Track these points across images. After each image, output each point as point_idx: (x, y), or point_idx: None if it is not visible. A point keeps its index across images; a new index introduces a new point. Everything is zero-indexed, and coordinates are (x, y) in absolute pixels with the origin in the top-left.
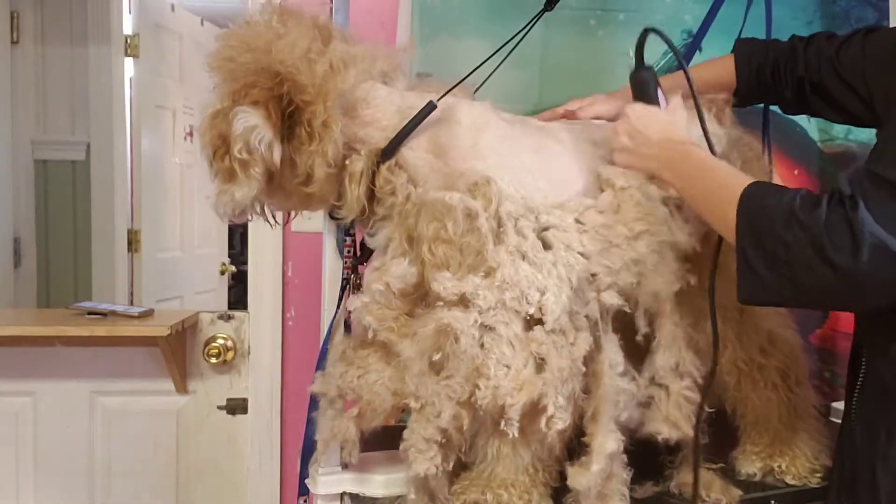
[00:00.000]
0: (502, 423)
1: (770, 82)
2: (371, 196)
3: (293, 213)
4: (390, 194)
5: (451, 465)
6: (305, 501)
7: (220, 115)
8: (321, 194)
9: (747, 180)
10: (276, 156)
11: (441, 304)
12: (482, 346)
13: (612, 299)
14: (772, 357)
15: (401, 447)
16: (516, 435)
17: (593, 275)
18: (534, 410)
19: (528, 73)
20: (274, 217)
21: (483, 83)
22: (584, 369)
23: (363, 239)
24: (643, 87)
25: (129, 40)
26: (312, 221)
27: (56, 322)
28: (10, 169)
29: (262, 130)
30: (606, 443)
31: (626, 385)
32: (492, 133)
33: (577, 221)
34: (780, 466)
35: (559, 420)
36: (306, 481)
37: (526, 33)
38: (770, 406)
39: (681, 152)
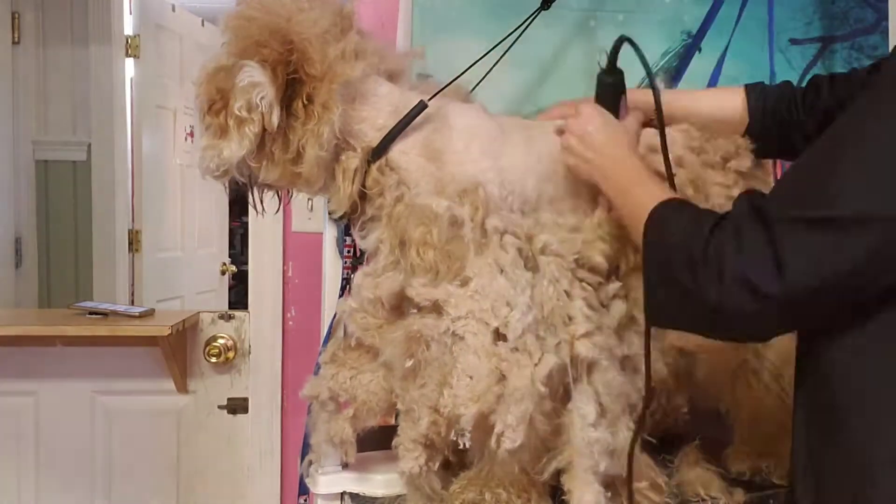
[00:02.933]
0: (452, 432)
1: (787, 118)
2: (362, 195)
3: (280, 205)
4: (379, 195)
5: (437, 464)
6: (306, 501)
7: (221, 71)
8: (308, 176)
9: (660, 199)
10: (275, 118)
11: (415, 310)
12: (451, 353)
13: (587, 351)
14: (765, 359)
15: (392, 444)
16: (467, 446)
17: (570, 317)
18: (485, 424)
19: (527, 73)
20: (262, 203)
21: (478, 83)
22: (544, 390)
23: None
24: (605, 91)
25: (129, 41)
26: (313, 222)
27: (57, 322)
28: (12, 169)
29: (265, 89)
30: (584, 496)
31: (600, 435)
32: (483, 135)
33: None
34: (767, 466)
35: (508, 439)
36: (306, 481)
37: (522, 32)
38: (762, 408)
39: (617, 161)
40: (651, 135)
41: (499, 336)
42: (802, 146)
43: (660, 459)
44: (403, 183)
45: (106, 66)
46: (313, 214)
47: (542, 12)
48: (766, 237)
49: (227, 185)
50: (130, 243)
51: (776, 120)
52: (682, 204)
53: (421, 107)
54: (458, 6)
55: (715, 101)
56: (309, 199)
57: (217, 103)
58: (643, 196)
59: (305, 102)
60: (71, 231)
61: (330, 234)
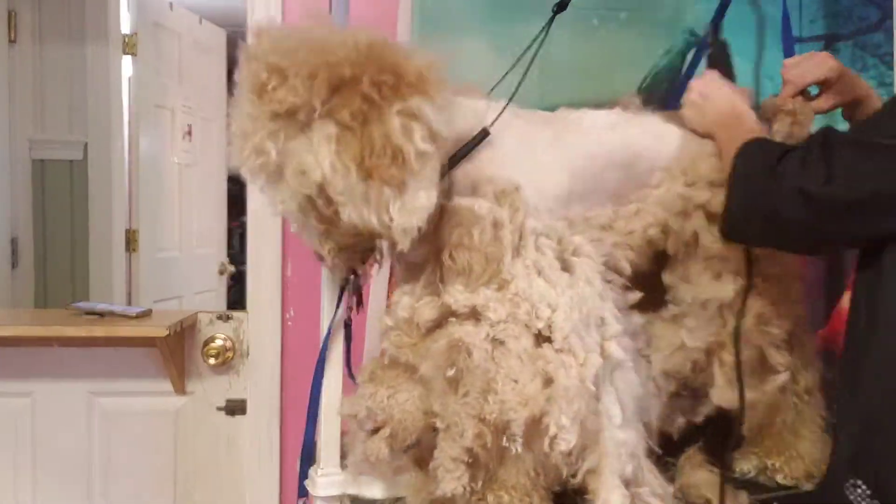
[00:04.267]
0: (504, 439)
1: None
2: None
3: None
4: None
5: (480, 483)
6: (305, 503)
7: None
8: None
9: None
10: None
11: (453, 319)
12: (493, 359)
13: (617, 352)
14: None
15: (430, 466)
16: (520, 451)
17: (602, 318)
18: (537, 428)
19: (529, 72)
20: None
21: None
22: (593, 389)
23: None
24: (718, 59)
25: (127, 39)
26: None
27: (54, 322)
28: (8, 168)
29: None
30: (610, 499)
31: (626, 437)
32: (512, 135)
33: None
34: (773, 464)
35: (563, 441)
36: (306, 483)
37: (543, 39)
38: (775, 410)
39: (736, 117)
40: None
41: (541, 338)
42: None
43: (663, 463)
44: (446, 193)
45: (103, 65)
46: None
47: (541, 7)
48: (824, 156)
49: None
50: (128, 243)
51: None
52: (768, 140)
53: (483, 135)
54: (457, 6)
55: None
56: None
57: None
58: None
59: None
60: (68, 231)
61: None
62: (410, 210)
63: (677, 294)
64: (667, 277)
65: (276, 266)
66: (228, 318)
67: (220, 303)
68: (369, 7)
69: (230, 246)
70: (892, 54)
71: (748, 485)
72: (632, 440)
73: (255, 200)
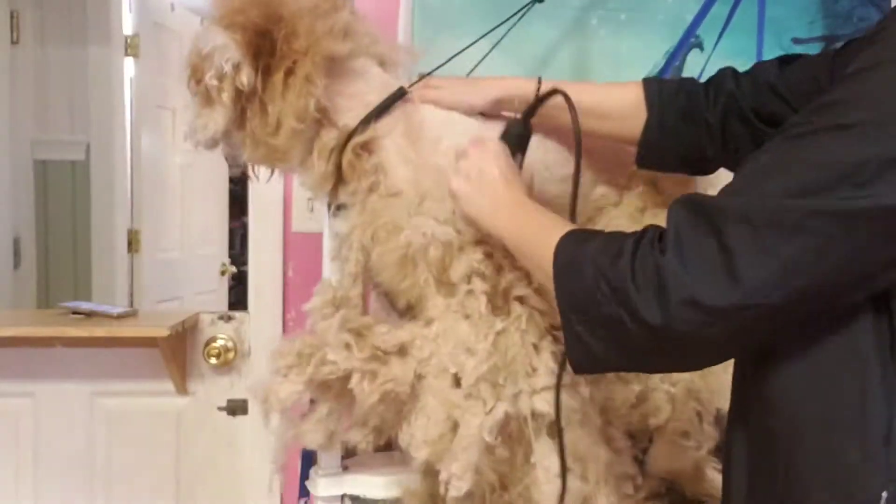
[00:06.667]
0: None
1: (689, 109)
2: (341, 177)
3: (272, 172)
4: (356, 179)
5: (384, 440)
6: (306, 503)
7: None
8: (285, 149)
9: (563, 231)
10: (245, 77)
11: (380, 353)
12: (414, 391)
13: (543, 406)
14: None
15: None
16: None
17: (534, 368)
18: (436, 470)
19: (529, 73)
20: (255, 171)
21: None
22: (490, 440)
23: None
24: (512, 139)
25: (128, 40)
26: (313, 222)
27: (56, 323)
28: (10, 169)
29: (229, 50)
30: None
31: (569, 484)
32: (459, 126)
33: None
34: None
35: (454, 488)
36: (307, 483)
37: (514, 24)
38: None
39: (511, 200)
40: None
41: (457, 382)
42: (710, 146)
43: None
44: (382, 168)
45: (105, 66)
46: (313, 214)
47: (541, 8)
48: (717, 245)
49: (226, 170)
50: (130, 243)
51: (679, 114)
52: (584, 233)
53: (400, 93)
54: (458, 6)
55: (616, 93)
56: (309, 199)
57: (199, 72)
58: (542, 230)
59: (287, 77)
60: (70, 231)
61: (330, 235)
62: (199, 123)
63: None
64: None
65: (277, 266)
66: (230, 318)
67: (222, 303)
68: (369, 6)
69: (231, 246)
70: None
71: None
72: (575, 489)
73: (257, 201)
